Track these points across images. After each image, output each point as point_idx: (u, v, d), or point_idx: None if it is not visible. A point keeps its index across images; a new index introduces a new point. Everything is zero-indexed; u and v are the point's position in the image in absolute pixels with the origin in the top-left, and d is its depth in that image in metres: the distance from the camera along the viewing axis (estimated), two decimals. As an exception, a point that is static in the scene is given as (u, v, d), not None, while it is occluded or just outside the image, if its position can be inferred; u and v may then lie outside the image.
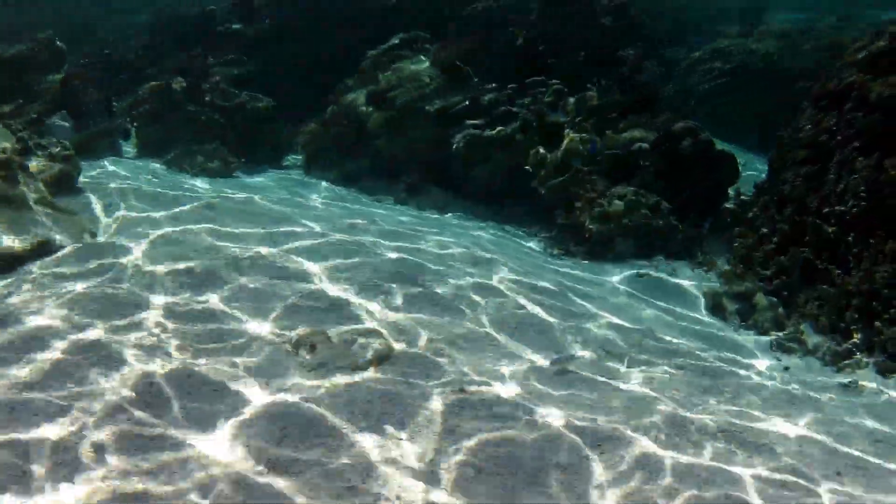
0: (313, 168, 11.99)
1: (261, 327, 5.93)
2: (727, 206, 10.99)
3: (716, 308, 8.04)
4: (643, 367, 6.24)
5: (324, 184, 11.63)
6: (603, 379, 5.90)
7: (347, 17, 17.40)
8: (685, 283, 8.63)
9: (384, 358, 5.40)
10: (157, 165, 11.60)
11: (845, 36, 18.35)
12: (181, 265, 6.86)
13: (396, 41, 13.20)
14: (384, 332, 5.98)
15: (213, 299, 6.30)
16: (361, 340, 5.39)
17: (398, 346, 5.79)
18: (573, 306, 7.30)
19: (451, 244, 8.61)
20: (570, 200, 9.77)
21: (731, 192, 11.32)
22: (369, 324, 6.11)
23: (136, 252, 7.14)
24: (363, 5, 17.70)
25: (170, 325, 5.80)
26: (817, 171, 8.20)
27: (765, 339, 7.49)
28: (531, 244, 9.93)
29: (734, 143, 15.99)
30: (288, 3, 17.51)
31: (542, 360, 6.02)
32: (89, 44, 22.16)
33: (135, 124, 12.76)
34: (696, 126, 10.67)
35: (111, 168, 10.81)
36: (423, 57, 12.64)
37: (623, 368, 6.17)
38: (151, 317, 5.90)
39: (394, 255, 7.76)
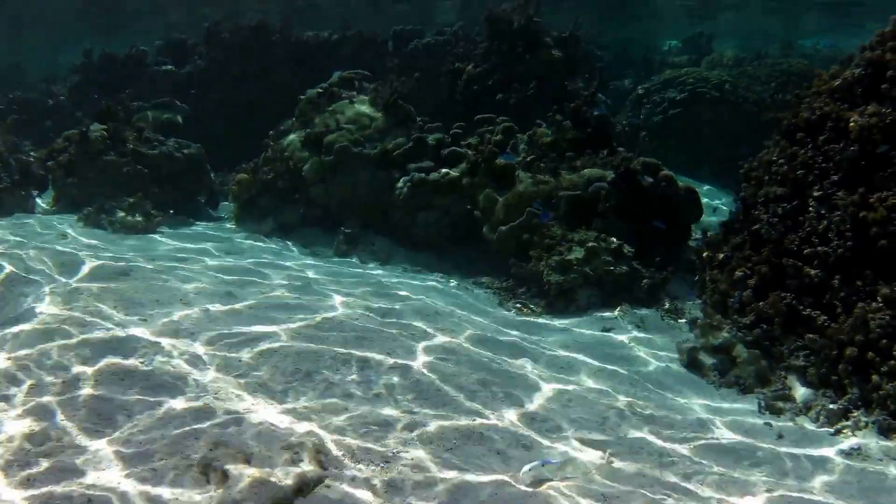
0: (246, 219, 11.04)
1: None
2: (691, 244, 10.32)
3: (692, 364, 7.25)
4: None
5: (249, 242, 10.63)
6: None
7: (286, 55, 16.61)
8: (655, 338, 7.84)
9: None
10: (67, 225, 10.55)
11: (792, 62, 18.06)
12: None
13: (335, 79, 12.38)
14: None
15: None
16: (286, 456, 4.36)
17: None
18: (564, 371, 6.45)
19: (391, 311, 7.72)
20: (525, 247, 8.96)
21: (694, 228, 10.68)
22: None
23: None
24: (301, 42, 16.93)
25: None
26: (795, 208, 7.49)
27: (747, 398, 6.70)
28: (482, 294, 9.08)
29: (687, 176, 15.43)
30: (223, 41, 16.68)
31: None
32: (20, 86, 21.07)
33: (50, 176, 11.73)
34: (656, 162, 9.98)
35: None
36: (363, 96, 11.82)
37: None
38: None
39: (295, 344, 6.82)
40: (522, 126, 11.56)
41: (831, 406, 6.33)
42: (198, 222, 11.25)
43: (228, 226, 11.14)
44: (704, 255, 8.52)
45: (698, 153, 15.90)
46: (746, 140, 16.12)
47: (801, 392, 6.67)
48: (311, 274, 8.87)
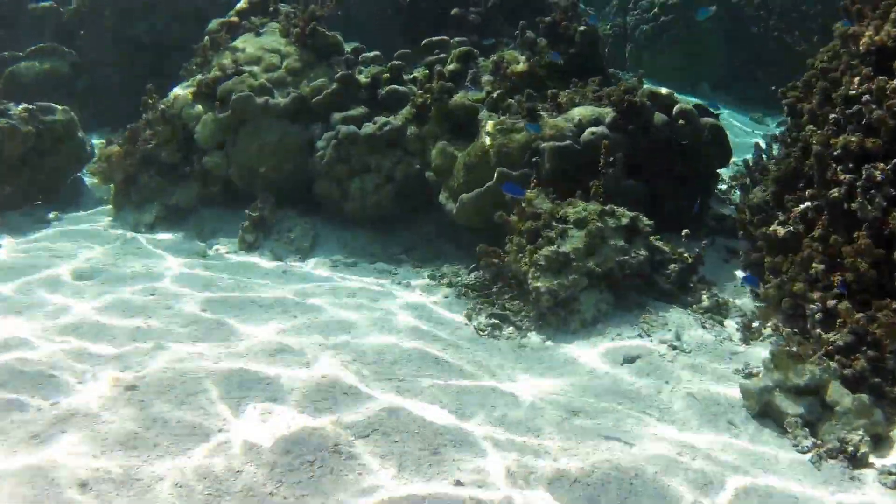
0: (125, 205, 8.21)
1: None
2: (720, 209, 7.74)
3: (765, 413, 4.71)
4: None
5: (129, 234, 7.84)
6: None
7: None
8: (702, 361, 5.26)
9: None
10: None
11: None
12: None
13: (244, 4, 9.46)
14: None
15: None
16: None
17: None
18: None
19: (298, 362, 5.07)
20: (497, 226, 6.30)
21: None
22: None
23: None
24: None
25: None
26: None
27: (865, 478, 4.17)
28: (441, 297, 6.44)
29: (687, 94, 12.73)
30: None
31: None
32: None
33: None
34: (668, 92, 7.28)
35: None
36: (274, 24, 8.93)
37: None
38: None
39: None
40: (485, 50, 8.80)
41: None
42: (64, 216, 8.40)
43: (105, 217, 8.33)
44: (761, 229, 5.89)
45: (697, 67, 13.16)
46: (753, 49, 13.42)
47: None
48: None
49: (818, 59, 6.77)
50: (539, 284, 5.49)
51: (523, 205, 5.92)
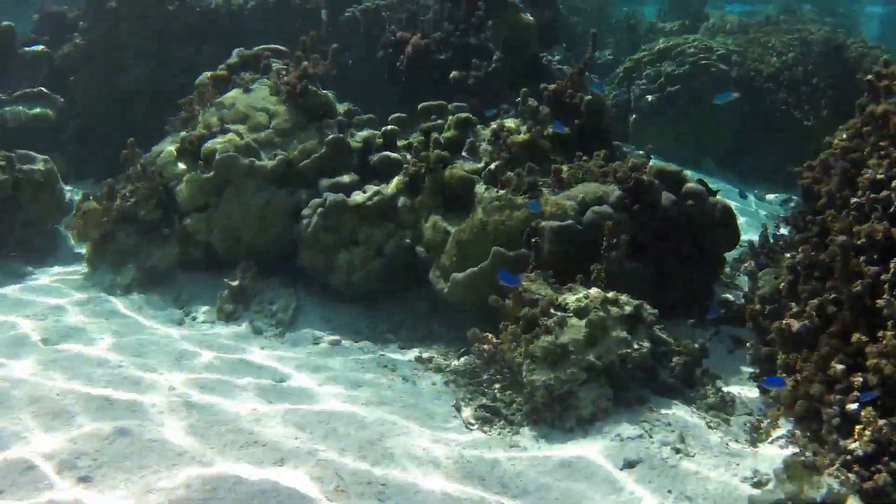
0: (100, 265, 7.77)
1: None
2: (726, 294, 7.37)
3: (779, 540, 4.25)
4: None
5: (89, 309, 7.29)
6: None
7: (188, 28, 13.08)
8: (707, 470, 4.80)
9: None
10: None
11: (812, 27, 14.99)
12: None
13: (234, 58, 9.15)
14: None
15: None
16: None
17: None
18: None
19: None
20: (492, 307, 5.87)
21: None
22: None
23: None
24: (208, 11, 13.43)
25: None
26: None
27: None
28: (429, 384, 5.99)
29: (690, 168, 12.43)
30: (109, 10, 12.95)
31: None
32: None
33: None
34: (676, 169, 6.92)
35: None
36: (265, 81, 8.60)
37: None
38: None
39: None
40: (486, 118, 8.50)
41: None
42: (38, 270, 7.97)
43: (80, 275, 7.89)
44: (775, 323, 5.48)
45: (701, 140, 12.87)
46: (759, 124, 13.15)
47: None
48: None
49: (837, 137, 6.44)
50: (535, 378, 5.04)
51: (520, 290, 5.49)
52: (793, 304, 5.68)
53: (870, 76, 6.22)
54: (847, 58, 12.47)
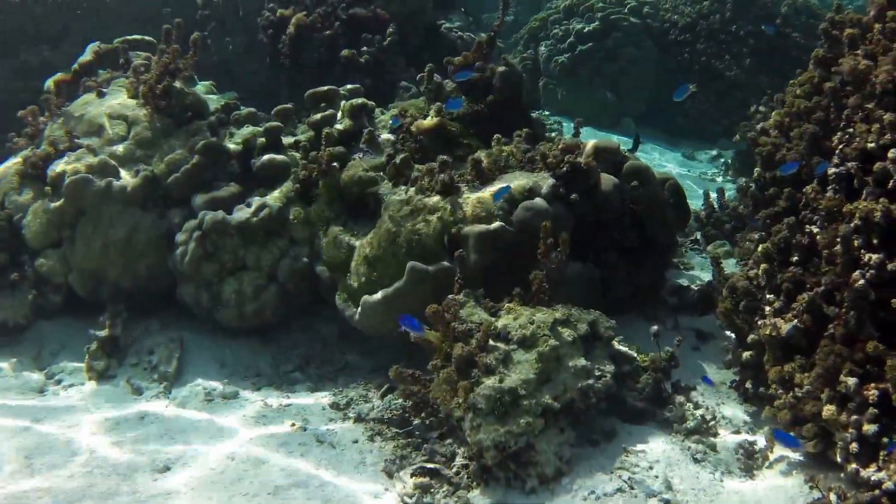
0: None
1: None
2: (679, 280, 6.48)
3: None
4: None
5: None
6: None
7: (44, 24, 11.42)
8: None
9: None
10: None
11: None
12: None
13: (87, 56, 7.75)
14: None
15: None
16: None
17: None
18: None
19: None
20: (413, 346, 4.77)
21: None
22: None
23: None
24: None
25: None
26: None
27: None
28: (350, 442, 4.86)
29: (610, 131, 11.57)
30: None
31: None
32: None
33: None
34: (613, 145, 5.91)
35: None
36: (123, 82, 7.24)
37: None
38: None
39: None
40: (383, 97, 7.39)
41: None
42: None
43: None
44: (758, 328, 4.53)
45: (621, 102, 11.92)
46: (679, 78, 12.25)
47: None
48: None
49: (789, 94, 5.54)
50: (481, 437, 3.96)
51: (447, 317, 4.39)
52: (771, 296, 4.76)
53: (824, 24, 5.37)
54: (764, 2, 11.67)
